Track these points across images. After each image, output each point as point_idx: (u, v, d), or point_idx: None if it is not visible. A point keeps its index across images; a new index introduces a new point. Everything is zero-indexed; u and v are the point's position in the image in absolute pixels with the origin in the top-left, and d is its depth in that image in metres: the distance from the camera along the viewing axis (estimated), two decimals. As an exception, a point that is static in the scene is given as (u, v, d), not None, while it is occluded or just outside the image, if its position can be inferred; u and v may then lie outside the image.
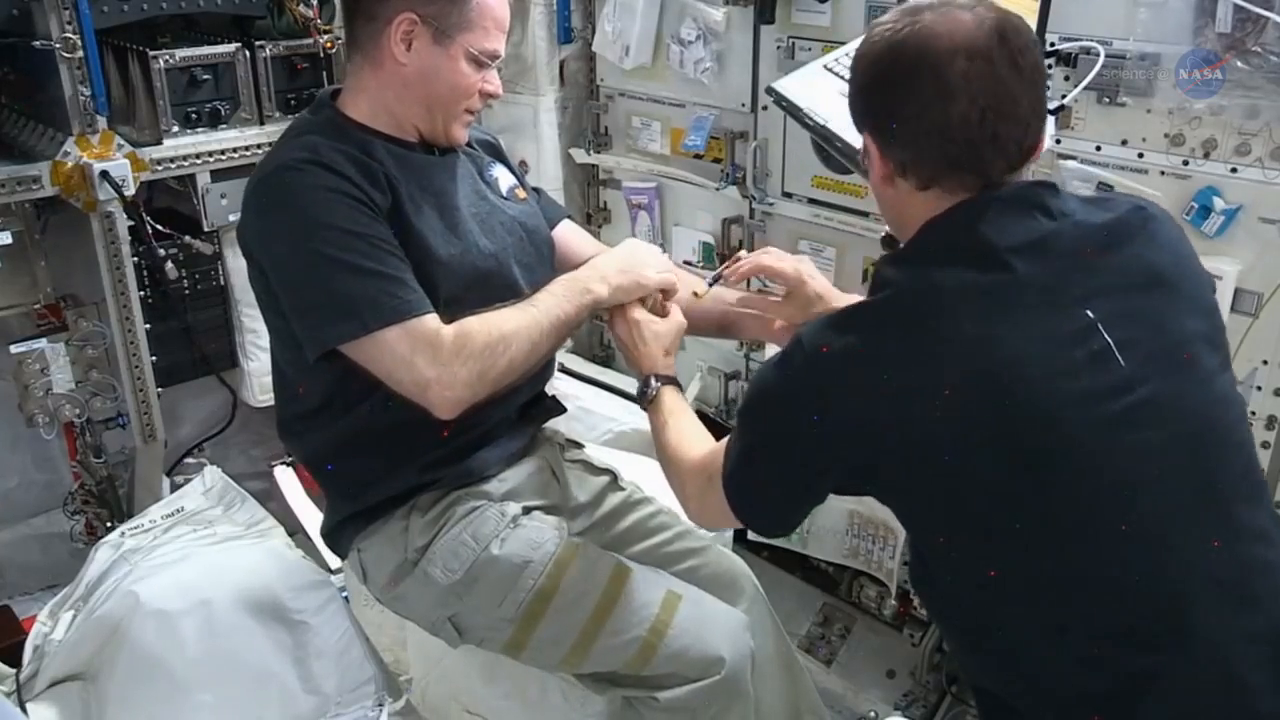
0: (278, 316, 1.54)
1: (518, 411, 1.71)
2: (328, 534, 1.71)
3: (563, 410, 1.81)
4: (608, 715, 1.67)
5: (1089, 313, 1.11)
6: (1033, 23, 1.56)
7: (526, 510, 1.65)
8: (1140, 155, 1.75)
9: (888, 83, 1.17)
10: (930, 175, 1.17)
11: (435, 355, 1.41)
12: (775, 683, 1.74)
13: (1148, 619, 1.08)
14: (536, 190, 1.84)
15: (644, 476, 2.32)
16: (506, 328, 1.46)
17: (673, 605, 1.59)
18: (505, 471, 1.68)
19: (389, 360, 1.42)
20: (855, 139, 1.52)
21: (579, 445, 1.89)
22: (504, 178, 1.73)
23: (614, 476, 1.84)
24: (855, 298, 1.45)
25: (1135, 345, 1.11)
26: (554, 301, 1.52)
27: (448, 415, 1.44)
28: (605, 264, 1.59)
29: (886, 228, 1.85)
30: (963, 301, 1.11)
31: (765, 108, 2.34)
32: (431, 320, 1.44)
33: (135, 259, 2.30)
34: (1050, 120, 1.60)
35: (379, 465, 1.60)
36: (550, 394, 1.83)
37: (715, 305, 1.72)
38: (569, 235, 1.83)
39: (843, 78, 1.81)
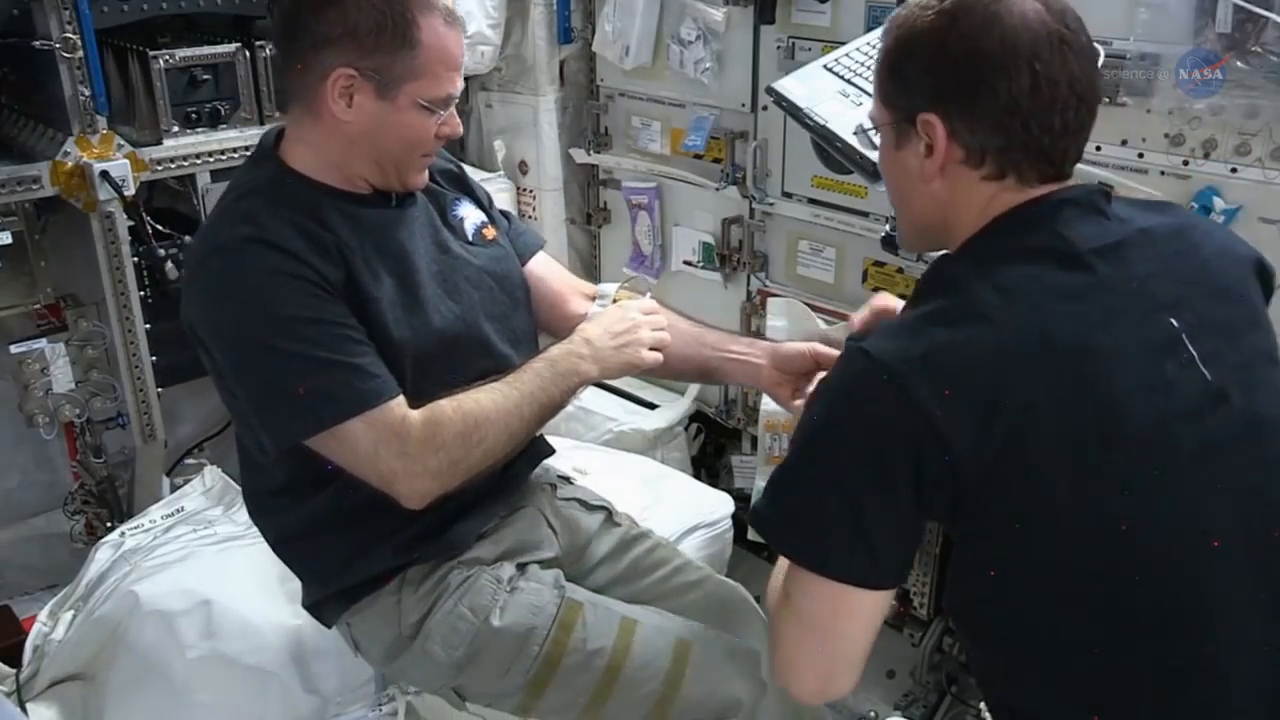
0: (234, 398, 1.43)
1: (501, 473, 1.55)
2: (310, 607, 1.59)
3: (551, 452, 1.69)
4: None
5: (1173, 322, 1.06)
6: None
7: (521, 567, 1.57)
8: (1140, 155, 1.75)
9: (974, 58, 1.07)
10: (1009, 162, 1.09)
11: (402, 446, 1.33)
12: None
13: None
14: (507, 216, 1.72)
15: (641, 477, 2.34)
16: (482, 414, 1.38)
17: (684, 654, 1.52)
18: (497, 532, 1.59)
19: (351, 454, 1.35)
20: (854, 139, 1.51)
21: (569, 480, 1.78)
22: (470, 216, 1.61)
23: (609, 512, 1.76)
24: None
25: (1218, 359, 1.06)
26: (537, 384, 1.43)
27: (416, 506, 1.37)
28: (598, 338, 1.49)
29: (886, 228, 1.87)
30: (1050, 302, 1.04)
31: (765, 108, 2.34)
32: (397, 407, 1.35)
33: (135, 259, 2.29)
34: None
35: (353, 544, 1.49)
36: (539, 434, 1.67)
37: (697, 350, 1.63)
38: (544, 271, 1.71)
39: (843, 78, 1.82)
